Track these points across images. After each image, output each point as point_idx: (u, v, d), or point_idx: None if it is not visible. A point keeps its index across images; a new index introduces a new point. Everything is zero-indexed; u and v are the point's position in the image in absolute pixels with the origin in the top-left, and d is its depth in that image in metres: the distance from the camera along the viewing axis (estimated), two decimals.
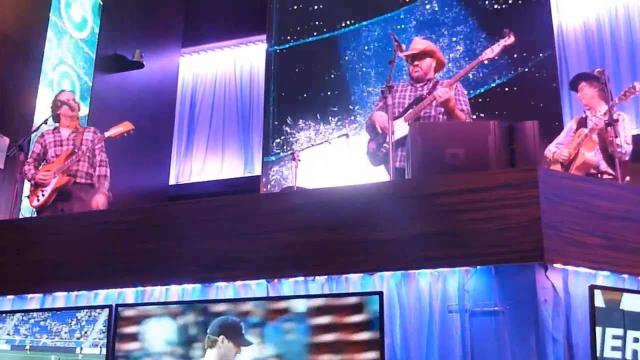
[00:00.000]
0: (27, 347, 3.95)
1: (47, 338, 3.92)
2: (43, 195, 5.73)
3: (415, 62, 5.20)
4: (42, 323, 3.96)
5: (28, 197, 6.00)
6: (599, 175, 5.17)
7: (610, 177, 5.07)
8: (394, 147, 4.56)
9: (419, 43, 5.28)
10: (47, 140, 5.99)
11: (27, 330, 3.98)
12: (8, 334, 4.02)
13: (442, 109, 5.03)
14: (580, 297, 3.15)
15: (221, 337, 3.48)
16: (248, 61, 10.55)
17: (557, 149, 5.47)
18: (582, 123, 5.45)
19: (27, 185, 6.32)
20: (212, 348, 3.48)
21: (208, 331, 3.50)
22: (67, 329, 3.88)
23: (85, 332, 3.84)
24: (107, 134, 5.84)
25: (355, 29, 9.26)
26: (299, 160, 6.72)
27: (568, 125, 5.72)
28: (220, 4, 10.59)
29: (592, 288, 3.13)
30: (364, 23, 9.23)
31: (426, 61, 5.21)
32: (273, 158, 9.08)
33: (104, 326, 3.78)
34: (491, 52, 5.07)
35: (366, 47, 9.12)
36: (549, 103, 8.11)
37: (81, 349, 3.82)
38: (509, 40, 5.04)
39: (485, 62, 5.19)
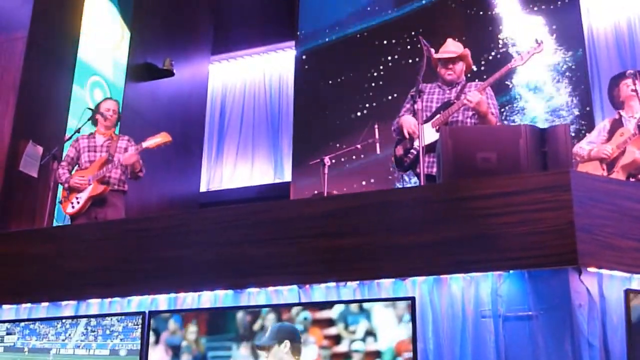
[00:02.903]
0: (25, 350, 4.09)
1: (36, 340, 4.07)
2: (78, 202, 5.79)
3: (450, 65, 5.18)
4: (31, 326, 4.14)
5: (61, 202, 6.06)
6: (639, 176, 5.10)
7: None
8: (422, 153, 4.54)
9: (453, 46, 5.26)
10: (81, 145, 6.06)
11: (19, 333, 4.15)
12: (1, 337, 4.19)
13: (470, 114, 5.01)
14: (615, 301, 3.10)
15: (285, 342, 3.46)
16: (277, 67, 10.58)
17: (591, 147, 5.39)
18: (617, 123, 5.37)
19: (60, 192, 6.39)
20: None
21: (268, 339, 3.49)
22: (54, 331, 4.05)
23: (69, 335, 3.97)
24: (144, 145, 5.88)
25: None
26: (328, 165, 6.73)
27: (601, 125, 5.64)
28: (249, 11, 10.63)
29: (627, 292, 3.09)
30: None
31: (459, 65, 5.20)
32: None
33: (85, 329, 3.94)
34: (521, 60, 5.07)
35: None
36: (580, 105, 8.05)
37: (65, 350, 3.97)
38: (539, 48, 5.03)
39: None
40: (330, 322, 3.39)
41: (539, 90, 8.31)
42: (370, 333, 3.30)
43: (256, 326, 3.54)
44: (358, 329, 3.33)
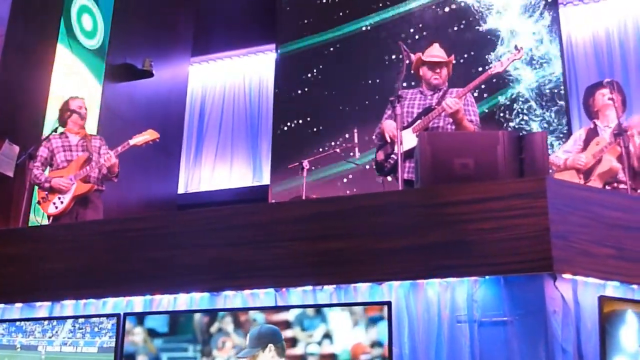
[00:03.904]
0: (18, 347, 4.04)
1: (22, 337, 4.03)
2: (62, 202, 5.73)
3: (437, 70, 5.21)
4: (17, 323, 4.10)
5: (39, 203, 5.98)
6: (616, 184, 5.14)
7: (626, 187, 5.03)
8: (402, 159, 4.56)
9: (441, 51, 5.29)
10: (54, 144, 5.99)
11: (4, 330, 4.11)
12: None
13: (451, 120, 5.03)
14: (589, 307, 3.13)
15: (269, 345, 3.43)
16: (257, 70, 10.57)
17: (567, 156, 5.44)
18: (592, 133, 5.43)
19: (36, 192, 6.32)
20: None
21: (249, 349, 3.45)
22: (40, 329, 4.01)
23: (56, 332, 3.94)
24: (131, 142, 5.87)
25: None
26: (307, 169, 6.74)
27: (576, 134, 5.69)
28: (230, 13, 10.62)
29: (601, 299, 3.12)
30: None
31: (445, 70, 5.23)
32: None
33: (72, 326, 3.91)
34: (500, 66, 5.11)
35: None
36: (557, 113, 8.12)
37: (52, 347, 3.95)
38: (519, 55, 5.08)
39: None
40: (286, 325, 3.40)
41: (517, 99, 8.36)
42: (326, 336, 3.31)
43: (213, 328, 3.54)
44: (315, 332, 3.33)
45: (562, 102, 8.13)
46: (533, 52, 8.31)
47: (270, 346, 3.39)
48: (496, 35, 8.57)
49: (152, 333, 3.69)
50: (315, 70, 9.48)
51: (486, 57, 8.49)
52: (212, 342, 3.53)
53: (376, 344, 3.22)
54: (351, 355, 3.24)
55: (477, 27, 8.69)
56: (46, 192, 5.85)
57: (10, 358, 4.01)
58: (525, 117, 8.24)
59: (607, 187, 5.11)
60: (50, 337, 3.95)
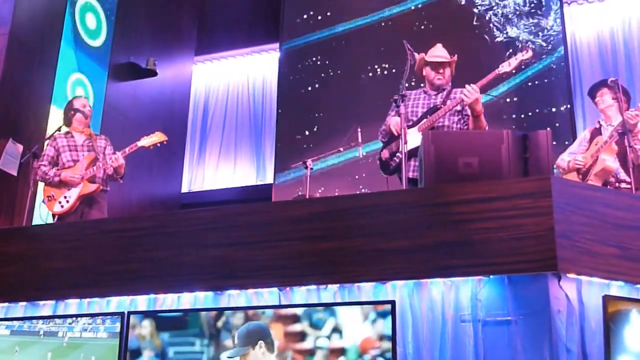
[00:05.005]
0: (41, 333, 4.04)
1: (42, 324, 4.05)
2: (67, 201, 5.72)
3: (440, 70, 5.20)
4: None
5: (44, 202, 5.96)
6: (617, 183, 5.13)
7: (628, 186, 5.03)
8: (407, 157, 4.55)
9: (444, 51, 5.27)
10: (59, 144, 5.97)
11: None
12: (7, 320, 4.16)
13: (456, 119, 5.03)
14: (594, 307, 3.13)
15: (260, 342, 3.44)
16: (261, 69, 10.56)
17: (571, 158, 5.44)
18: (596, 133, 5.43)
19: (40, 192, 6.31)
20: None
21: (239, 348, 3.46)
22: None
23: (76, 318, 3.97)
24: (139, 144, 5.86)
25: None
26: (311, 168, 6.74)
27: (582, 135, 5.70)
28: (233, 12, 10.62)
29: (606, 298, 3.11)
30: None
31: (448, 70, 5.21)
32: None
33: None
34: (508, 66, 5.07)
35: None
36: (562, 112, 8.09)
37: (72, 333, 3.96)
38: (527, 54, 5.05)
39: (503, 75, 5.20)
40: (295, 319, 3.40)
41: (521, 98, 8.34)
42: (335, 330, 3.31)
43: (220, 323, 3.54)
44: (324, 326, 3.34)
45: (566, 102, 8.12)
46: (537, 50, 8.29)
47: (260, 342, 3.41)
48: (501, 34, 8.56)
49: (158, 327, 3.70)
50: (318, 69, 9.47)
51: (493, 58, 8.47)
52: (221, 336, 3.53)
53: (385, 337, 3.22)
54: (360, 350, 3.24)
55: (485, 30, 8.68)
56: (52, 192, 5.83)
57: (34, 344, 4.03)
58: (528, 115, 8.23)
59: (609, 187, 5.10)
60: (70, 324, 3.97)
